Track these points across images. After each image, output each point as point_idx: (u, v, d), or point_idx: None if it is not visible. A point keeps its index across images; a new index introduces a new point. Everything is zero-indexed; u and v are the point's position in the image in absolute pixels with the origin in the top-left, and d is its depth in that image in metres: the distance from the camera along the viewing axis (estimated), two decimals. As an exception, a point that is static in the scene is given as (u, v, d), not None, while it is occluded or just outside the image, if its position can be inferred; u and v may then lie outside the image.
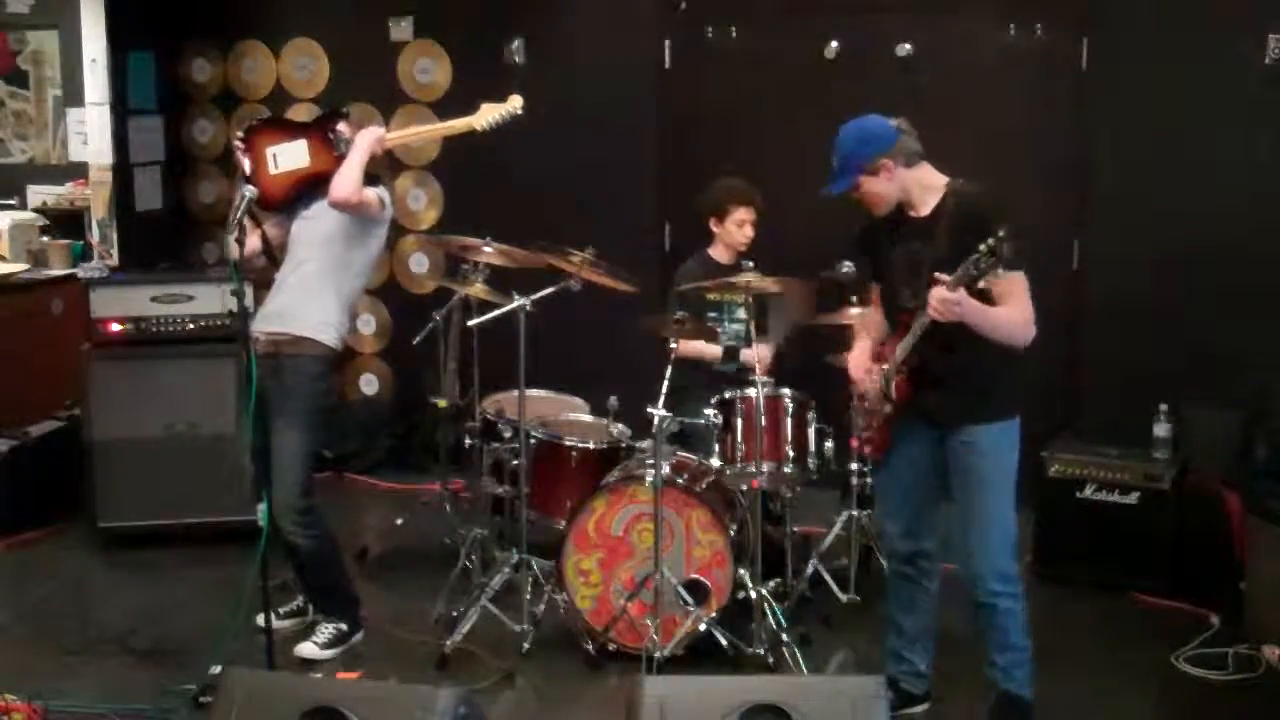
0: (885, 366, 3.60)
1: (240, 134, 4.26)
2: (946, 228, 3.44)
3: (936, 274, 3.26)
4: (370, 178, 4.17)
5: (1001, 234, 3.10)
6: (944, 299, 3.24)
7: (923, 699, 3.87)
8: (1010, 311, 3.38)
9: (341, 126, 4.23)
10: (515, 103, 4.29)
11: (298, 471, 4.07)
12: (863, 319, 3.91)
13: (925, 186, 3.53)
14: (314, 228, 4.21)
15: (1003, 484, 3.55)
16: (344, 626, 4.26)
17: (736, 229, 4.90)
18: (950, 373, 3.48)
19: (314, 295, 4.17)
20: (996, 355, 3.43)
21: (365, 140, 4.14)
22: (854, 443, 4.66)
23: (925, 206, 3.53)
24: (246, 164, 4.17)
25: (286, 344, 4.13)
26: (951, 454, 3.58)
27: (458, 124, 4.41)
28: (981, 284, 3.23)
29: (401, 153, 6.48)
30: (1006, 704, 3.65)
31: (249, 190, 3.85)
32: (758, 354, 4.31)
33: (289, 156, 4.23)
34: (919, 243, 3.49)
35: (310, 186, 4.21)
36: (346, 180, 4.05)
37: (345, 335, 4.28)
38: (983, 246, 3.12)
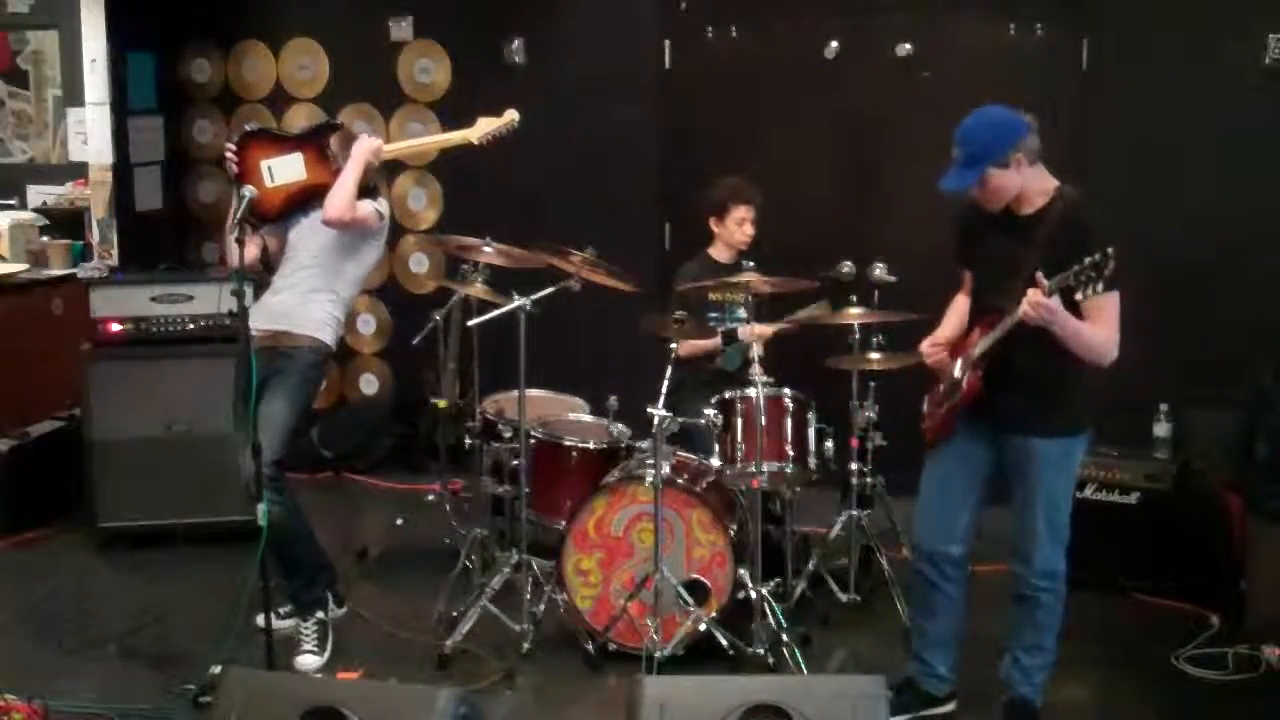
0: (963, 357, 3.56)
1: (232, 145, 4.24)
2: (1049, 232, 3.38)
3: (1037, 276, 3.21)
4: (366, 189, 4.17)
5: (1110, 251, 3.07)
6: (1038, 303, 3.20)
7: (943, 700, 3.82)
8: (1097, 329, 3.34)
9: (333, 141, 4.22)
10: (511, 116, 4.30)
11: (274, 441, 4.04)
12: (952, 306, 3.83)
13: (1038, 186, 3.47)
14: (312, 236, 4.23)
15: (1059, 494, 3.53)
16: (321, 614, 4.25)
17: (737, 227, 4.90)
18: (1024, 378, 3.44)
19: (312, 299, 4.24)
20: (1073, 369, 3.40)
21: (361, 153, 4.14)
22: (855, 442, 4.69)
23: (1032, 206, 3.47)
24: (238, 174, 4.16)
25: (285, 339, 4.20)
26: (1011, 460, 3.55)
27: (454, 136, 4.44)
28: (1077, 296, 3.20)
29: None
30: (1020, 710, 3.64)
31: (249, 190, 3.85)
32: (756, 330, 4.31)
33: (284, 170, 4.22)
34: (1019, 242, 3.42)
35: (306, 199, 4.22)
36: (340, 199, 4.07)
37: (341, 333, 4.36)
38: (1088, 260, 3.09)
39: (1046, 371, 3.42)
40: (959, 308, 3.80)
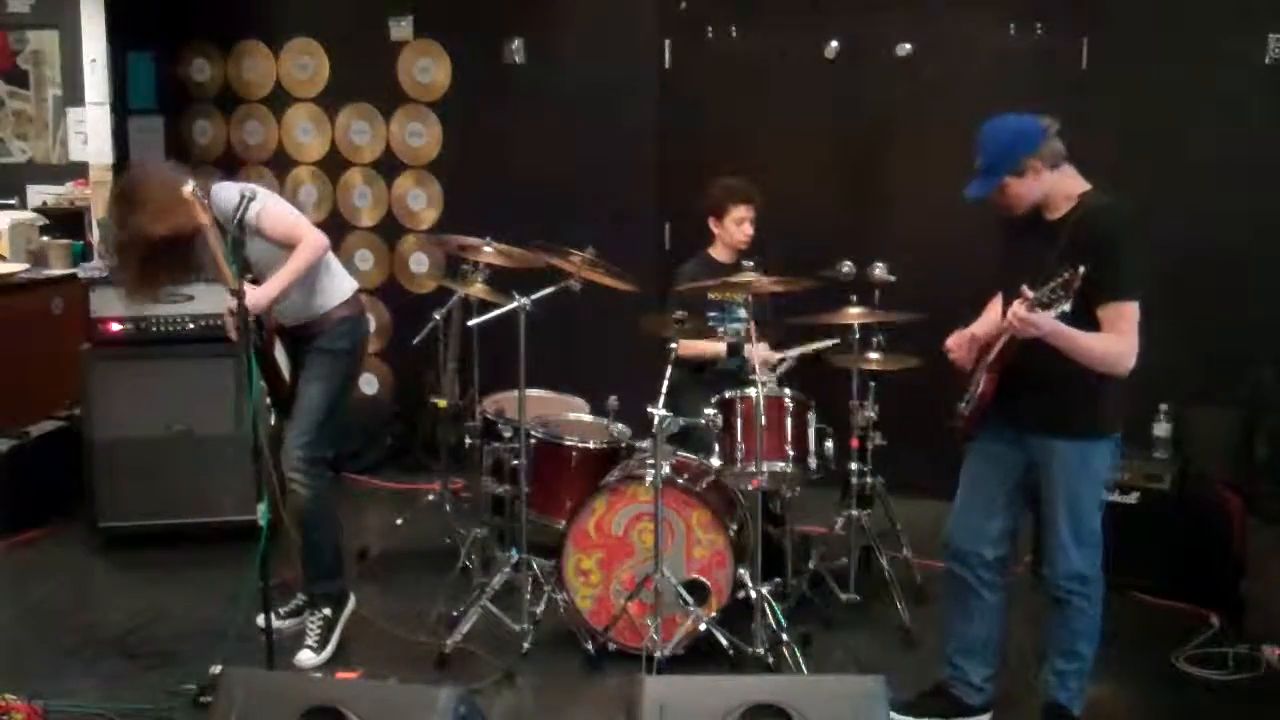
0: (983, 358, 3.55)
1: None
2: (1069, 239, 3.34)
3: (1023, 289, 3.19)
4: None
5: (1080, 270, 3.03)
6: (1023, 318, 3.18)
7: (978, 711, 3.75)
8: (1105, 339, 3.29)
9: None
10: None
11: (310, 422, 4.08)
12: (992, 301, 3.77)
13: (1064, 191, 3.43)
14: (264, 252, 4.05)
15: (1084, 497, 3.49)
16: (328, 612, 4.25)
17: (736, 227, 4.90)
18: (1039, 380, 3.40)
19: (309, 288, 4.16)
20: (1084, 376, 3.35)
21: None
22: (855, 443, 4.68)
23: (1058, 211, 3.43)
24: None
25: (311, 323, 4.20)
26: (1035, 461, 3.53)
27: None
28: (1065, 308, 3.13)
29: (402, 153, 6.49)
30: (1055, 717, 3.60)
31: (250, 190, 3.85)
32: (760, 354, 4.32)
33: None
34: (1044, 246, 3.39)
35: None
36: (262, 299, 3.93)
37: (353, 284, 4.33)
38: (1059, 278, 3.06)
39: (1059, 374, 3.38)
40: (996, 306, 3.74)
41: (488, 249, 4.60)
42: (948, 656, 3.78)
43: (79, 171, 6.49)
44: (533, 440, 4.51)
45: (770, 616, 4.13)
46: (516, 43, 6.24)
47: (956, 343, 3.66)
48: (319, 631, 4.21)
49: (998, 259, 3.69)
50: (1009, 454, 3.59)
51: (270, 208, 3.98)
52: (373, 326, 6.57)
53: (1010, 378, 3.47)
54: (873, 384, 4.75)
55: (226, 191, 3.94)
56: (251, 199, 3.81)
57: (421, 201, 6.52)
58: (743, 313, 4.81)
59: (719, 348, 4.80)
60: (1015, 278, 3.39)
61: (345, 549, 4.48)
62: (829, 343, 4.77)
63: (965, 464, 3.72)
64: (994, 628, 3.72)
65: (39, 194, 6.63)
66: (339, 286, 4.25)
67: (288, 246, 4.00)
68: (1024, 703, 3.81)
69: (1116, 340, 3.29)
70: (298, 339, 4.23)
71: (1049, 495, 3.51)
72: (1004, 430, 3.57)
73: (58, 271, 6.10)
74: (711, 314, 4.92)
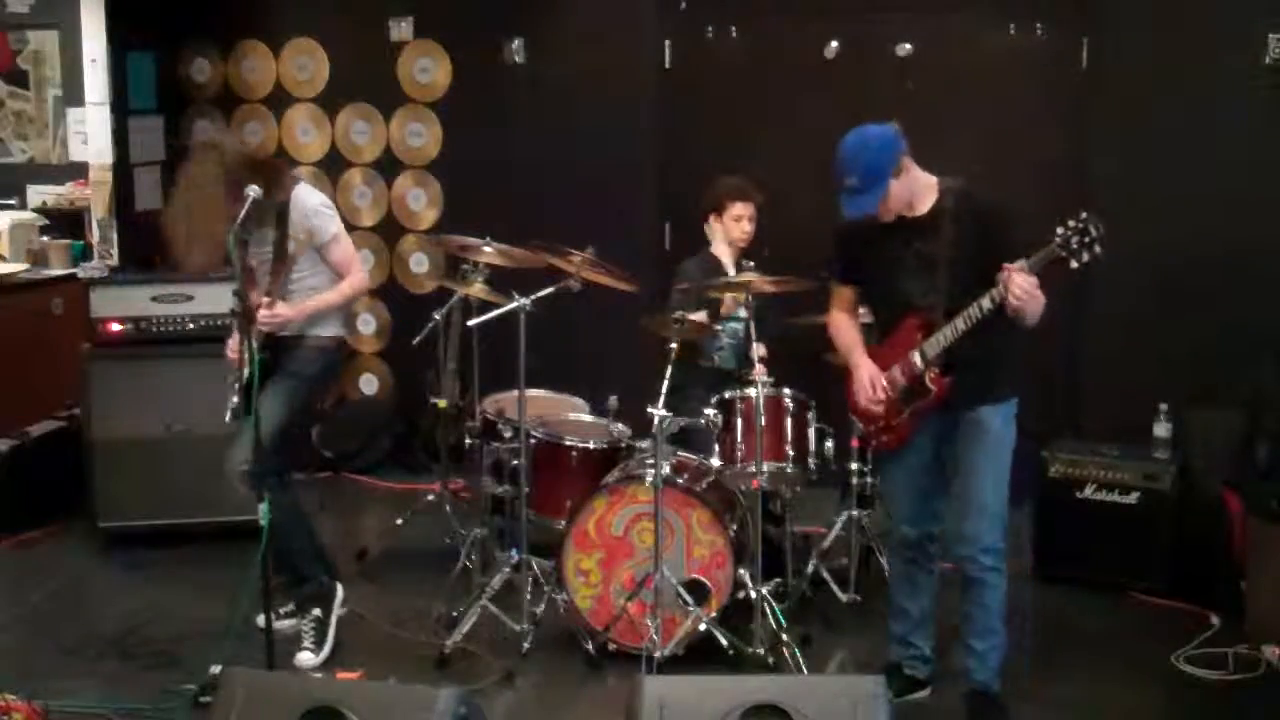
0: (903, 363, 3.60)
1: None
2: (952, 225, 3.47)
3: (1020, 261, 3.29)
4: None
5: (1086, 215, 3.21)
6: (1027, 283, 3.27)
7: (926, 684, 3.91)
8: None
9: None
10: None
11: (261, 437, 3.93)
12: (836, 323, 3.87)
13: (924, 184, 3.57)
14: (264, 257, 4.14)
15: (1003, 462, 3.61)
16: (318, 612, 4.25)
17: (734, 224, 4.90)
18: (977, 358, 3.51)
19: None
20: (1015, 339, 3.51)
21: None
22: (855, 442, 4.68)
23: (923, 204, 3.55)
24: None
25: (291, 339, 4.21)
26: (959, 434, 3.62)
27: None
28: (1072, 264, 3.26)
29: (402, 153, 6.49)
30: (982, 699, 3.70)
31: (252, 190, 3.85)
32: (756, 353, 4.32)
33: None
34: (923, 241, 3.51)
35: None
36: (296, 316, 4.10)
37: (344, 331, 4.39)
38: (1064, 230, 3.22)
39: (994, 347, 3.50)
40: (846, 325, 3.86)
41: (488, 249, 4.59)
42: (901, 638, 3.91)
43: (79, 171, 6.48)
44: (533, 440, 4.50)
45: (770, 616, 4.13)
46: (516, 43, 6.23)
47: (874, 397, 3.67)
48: (313, 632, 4.22)
49: (845, 276, 3.81)
50: (931, 440, 3.70)
51: (343, 233, 4.25)
52: (373, 327, 6.61)
53: (949, 365, 3.55)
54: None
55: (311, 194, 4.17)
56: (330, 214, 4.15)
57: (421, 201, 6.52)
58: (742, 312, 4.82)
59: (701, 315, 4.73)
60: (901, 281, 3.54)
61: (326, 546, 4.47)
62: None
63: (891, 466, 3.85)
64: (933, 598, 3.89)
65: (39, 194, 6.62)
66: (334, 323, 4.30)
67: (334, 271, 4.19)
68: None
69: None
70: (273, 350, 4.20)
71: (972, 466, 3.60)
72: (927, 418, 3.66)
73: (58, 271, 6.10)
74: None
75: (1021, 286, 3.27)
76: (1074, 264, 3.26)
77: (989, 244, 3.39)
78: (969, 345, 3.48)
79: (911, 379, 3.61)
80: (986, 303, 3.36)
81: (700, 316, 4.73)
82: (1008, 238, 3.39)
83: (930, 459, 3.73)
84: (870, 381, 3.68)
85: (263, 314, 4.00)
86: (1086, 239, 3.21)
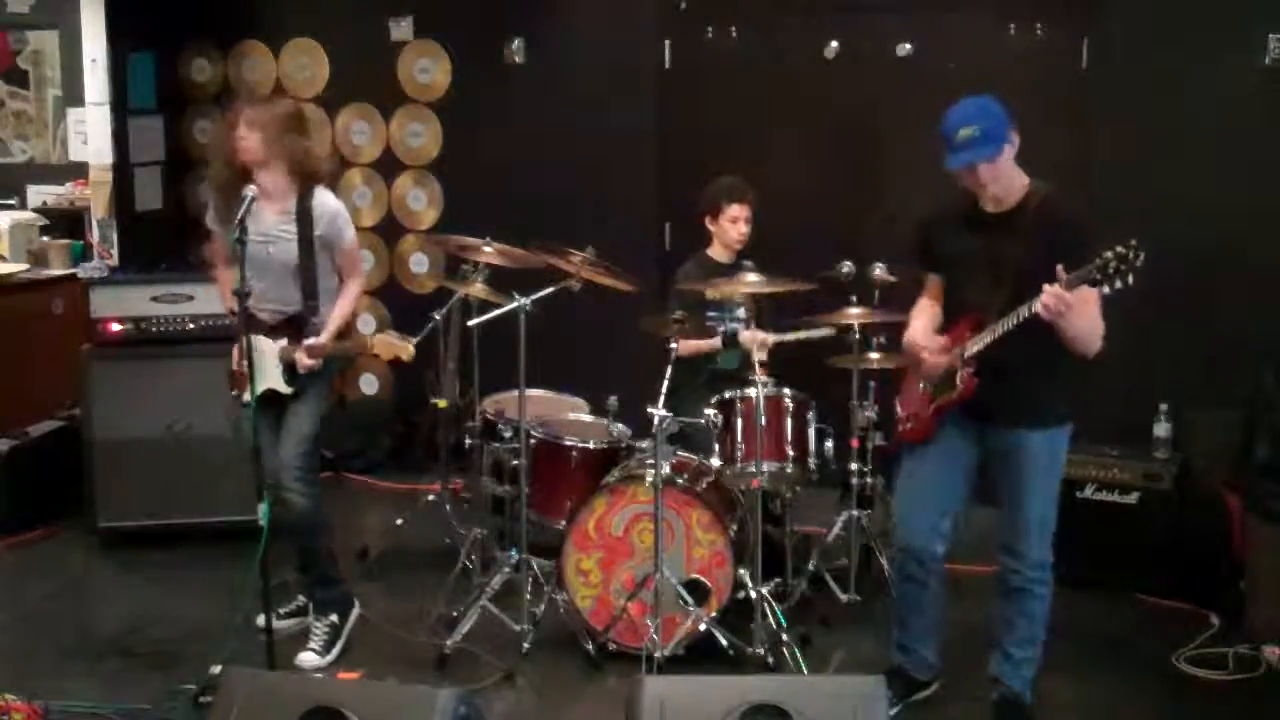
0: (949, 357, 3.57)
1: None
2: (1034, 228, 3.38)
3: (1058, 270, 3.18)
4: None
5: (1134, 243, 3.06)
6: (1060, 297, 3.18)
7: (929, 683, 3.89)
8: (1094, 322, 3.36)
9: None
10: (409, 351, 4.14)
11: (304, 436, 4.13)
12: (919, 308, 3.81)
13: (1019, 178, 3.49)
14: (281, 248, 4.14)
15: (1051, 486, 3.58)
16: (335, 619, 4.25)
17: (731, 225, 4.90)
18: (1019, 371, 3.45)
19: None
20: (1065, 360, 3.42)
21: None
22: (855, 443, 4.68)
23: (1006, 203, 3.47)
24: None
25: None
26: (1000, 454, 3.57)
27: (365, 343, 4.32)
28: (1104, 290, 3.15)
29: (402, 153, 6.49)
30: (1014, 710, 3.66)
31: (251, 190, 3.85)
32: (758, 337, 4.31)
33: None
34: (997, 240, 3.43)
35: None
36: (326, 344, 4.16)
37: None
38: (1110, 254, 3.06)
39: (1040, 363, 3.44)
40: (926, 312, 3.79)
41: (488, 249, 4.59)
42: (900, 644, 3.87)
43: (79, 171, 6.49)
44: (533, 440, 4.51)
45: (770, 616, 4.14)
46: (516, 43, 6.23)
47: (932, 348, 3.63)
48: (325, 636, 4.21)
49: (925, 263, 3.75)
50: (966, 450, 3.64)
51: (355, 236, 4.37)
52: (373, 327, 6.60)
53: (986, 370, 3.49)
54: (872, 384, 4.75)
55: (331, 199, 4.25)
56: (346, 220, 4.28)
57: (421, 201, 6.52)
58: (742, 313, 4.82)
59: (715, 343, 4.80)
60: (969, 275, 3.46)
61: (341, 552, 4.48)
62: (826, 330, 4.74)
63: (912, 465, 3.77)
64: (941, 609, 3.86)
65: (39, 194, 6.63)
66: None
67: (341, 269, 4.29)
68: (971, 679, 3.91)
69: (1096, 322, 3.38)
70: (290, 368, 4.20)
71: (1017, 487, 3.56)
72: (966, 425, 3.61)
73: (58, 271, 6.10)
74: (710, 313, 4.92)
75: (1055, 296, 3.18)
76: (1106, 289, 3.15)
77: (1057, 254, 3.23)
78: (1007, 353, 3.40)
79: (947, 373, 3.58)
80: (1025, 311, 3.28)
81: (709, 344, 4.75)
82: (1076, 252, 3.22)
83: (958, 474, 3.66)
84: (921, 335, 3.65)
85: (308, 363, 4.05)
86: (1124, 266, 3.08)
